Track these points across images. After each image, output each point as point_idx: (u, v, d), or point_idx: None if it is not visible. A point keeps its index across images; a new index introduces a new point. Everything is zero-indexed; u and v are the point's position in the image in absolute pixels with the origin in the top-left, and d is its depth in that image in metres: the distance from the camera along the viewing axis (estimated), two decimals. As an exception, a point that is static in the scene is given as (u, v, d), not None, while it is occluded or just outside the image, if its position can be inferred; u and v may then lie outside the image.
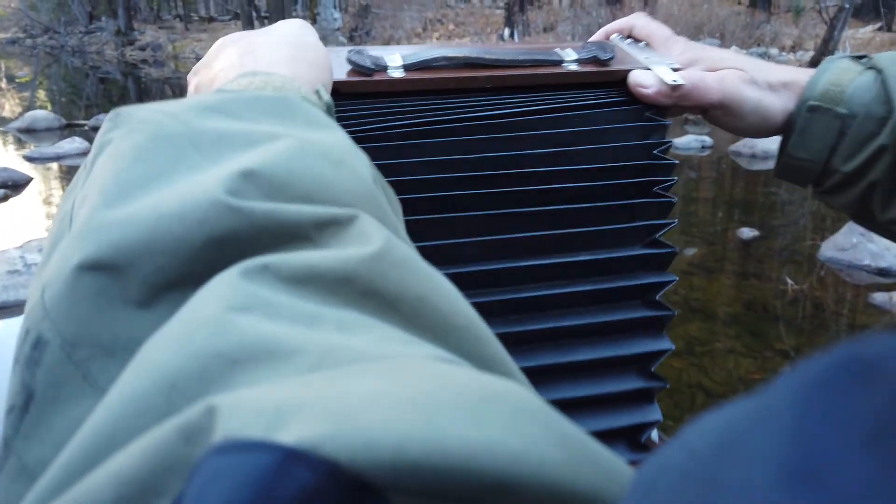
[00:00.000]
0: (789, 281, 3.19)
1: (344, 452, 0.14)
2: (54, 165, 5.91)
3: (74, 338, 0.21)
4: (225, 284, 0.21)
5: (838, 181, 0.53)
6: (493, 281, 0.53)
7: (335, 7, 15.63)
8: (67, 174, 5.71)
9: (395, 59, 0.56)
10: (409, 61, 0.56)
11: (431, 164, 0.54)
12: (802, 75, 0.55)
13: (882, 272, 3.26)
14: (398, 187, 0.51)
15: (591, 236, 0.55)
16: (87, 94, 11.55)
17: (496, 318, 0.52)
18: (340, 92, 0.54)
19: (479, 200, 0.54)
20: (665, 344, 0.56)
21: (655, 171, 0.58)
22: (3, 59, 19.43)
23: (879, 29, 13.51)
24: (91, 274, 0.22)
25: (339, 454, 0.14)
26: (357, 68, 0.55)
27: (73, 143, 6.20)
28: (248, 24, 19.81)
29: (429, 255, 0.51)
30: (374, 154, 0.52)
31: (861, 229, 3.48)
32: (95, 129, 7.17)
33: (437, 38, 15.67)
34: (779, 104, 0.55)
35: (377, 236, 0.25)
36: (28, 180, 5.27)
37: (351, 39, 16.02)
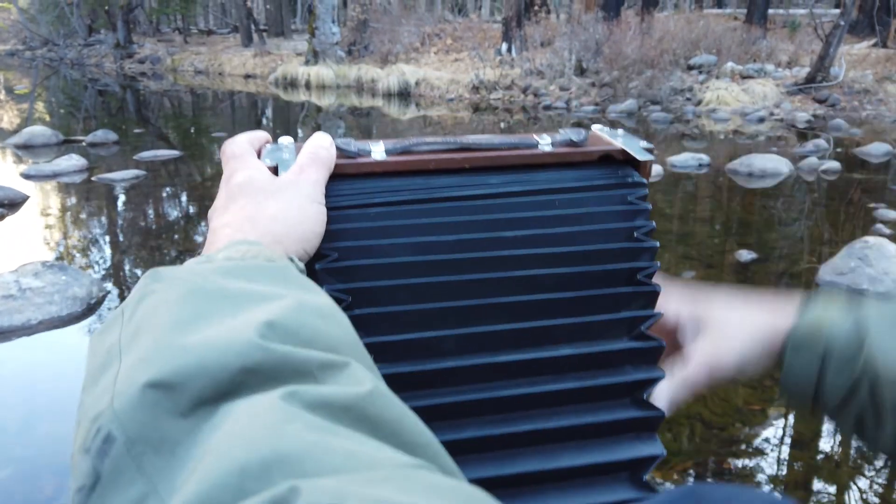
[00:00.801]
0: (788, 306, 3.18)
1: None
2: (51, 183, 5.89)
3: (134, 437, 0.28)
4: (272, 403, 0.29)
5: (831, 410, 0.58)
6: (471, 377, 0.51)
7: (333, 22, 15.67)
8: (64, 192, 5.69)
9: (378, 147, 0.58)
10: (390, 147, 0.58)
11: (406, 246, 0.53)
12: (784, 318, 0.59)
13: (880, 296, 3.25)
14: (374, 271, 0.51)
15: (573, 328, 0.53)
16: (85, 107, 11.56)
17: (475, 419, 0.50)
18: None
19: (455, 287, 0.52)
20: (657, 448, 0.53)
21: (639, 256, 0.56)
22: (3, 71, 19.45)
23: (874, 45, 13.59)
24: (154, 390, 0.29)
25: None
26: (343, 153, 0.56)
27: (70, 161, 6.20)
28: (247, 38, 19.86)
29: (405, 349, 0.50)
30: (351, 233, 0.51)
31: (860, 253, 3.48)
32: (93, 145, 7.17)
33: (436, 53, 15.72)
34: (760, 347, 0.59)
35: (367, 380, 0.32)
36: (24, 199, 5.26)
37: (349, 53, 16.06)
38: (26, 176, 5.99)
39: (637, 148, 0.60)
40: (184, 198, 6.10)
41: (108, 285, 3.72)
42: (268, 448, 0.25)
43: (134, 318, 0.34)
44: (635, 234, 0.57)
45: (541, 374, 0.52)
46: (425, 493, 0.25)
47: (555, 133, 0.62)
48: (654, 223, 0.58)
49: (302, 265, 0.44)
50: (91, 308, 3.31)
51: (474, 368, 0.51)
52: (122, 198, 5.74)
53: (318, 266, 0.51)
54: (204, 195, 6.00)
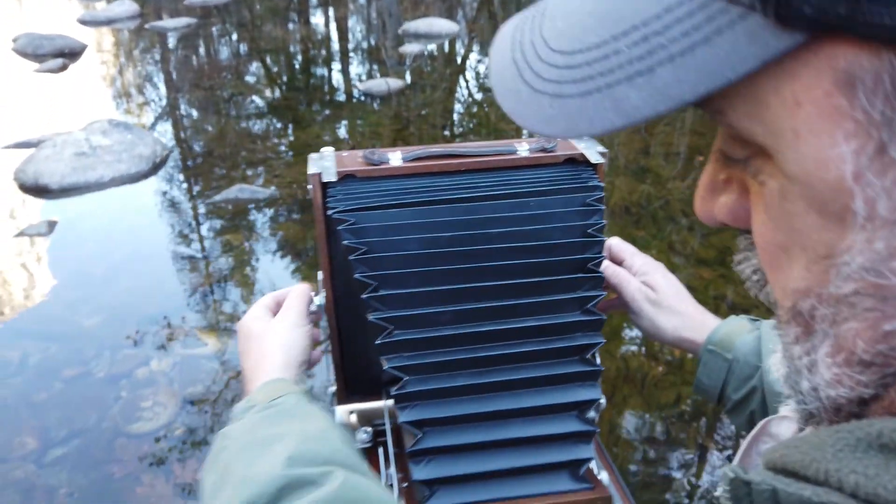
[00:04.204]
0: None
1: None
2: (106, 30, 5.93)
3: None
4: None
5: (731, 407, 0.72)
6: (462, 341, 0.67)
7: None
8: (120, 40, 5.75)
9: (396, 155, 0.74)
10: (406, 155, 0.74)
11: (416, 240, 0.68)
12: (710, 321, 0.74)
13: None
14: (393, 261, 0.65)
15: (538, 305, 0.68)
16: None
17: (465, 371, 0.67)
18: (357, 176, 0.71)
19: (451, 274, 0.67)
20: (597, 394, 0.69)
21: (591, 248, 0.70)
22: None
23: None
24: None
25: None
26: (368, 161, 0.72)
27: (123, 6, 6.18)
28: None
29: (411, 321, 0.65)
30: (376, 230, 0.65)
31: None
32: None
33: None
34: (671, 328, 0.75)
35: (340, 477, 0.51)
36: (83, 48, 5.35)
37: None
38: (83, 21, 6.03)
39: (593, 153, 0.75)
40: (235, 42, 6.10)
41: (170, 143, 3.91)
42: None
43: (219, 465, 0.57)
44: (589, 231, 0.70)
45: (512, 339, 0.68)
46: None
47: (532, 140, 0.78)
48: (604, 221, 0.72)
49: (304, 387, 0.65)
50: (156, 167, 3.52)
51: (464, 335, 0.67)
52: (175, 45, 5.78)
53: (352, 258, 0.64)
54: (255, 37, 5.98)
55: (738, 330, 0.71)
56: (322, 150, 0.75)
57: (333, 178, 0.69)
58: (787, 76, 0.24)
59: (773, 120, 0.25)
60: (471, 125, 4.52)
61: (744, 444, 0.42)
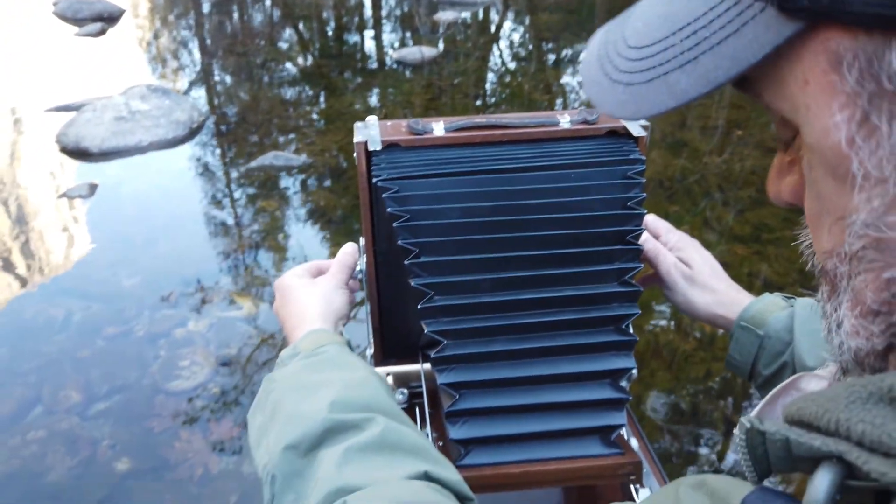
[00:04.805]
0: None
1: None
2: (143, -6, 5.96)
3: (285, 472, 0.53)
4: (339, 451, 0.53)
5: (762, 382, 0.73)
6: (500, 308, 0.69)
7: None
8: (155, 6, 5.79)
9: (439, 125, 0.74)
10: (448, 125, 0.74)
11: (457, 209, 0.69)
12: (744, 299, 0.74)
13: None
14: (434, 229, 0.67)
15: (576, 275, 0.69)
16: None
17: (502, 336, 0.68)
18: (401, 146, 0.72)
19: (491, 243, 0.68)
20: (630, 363, 0.70)
21: (630, 221, 0.70)
22: None
23: None
24: (287, 450, 0.54)
25: None
26: (412, 131, 0.73)
27: (160, -29, 6.20)
28: None
29: (452, 287, 0.66)
30: (418, 198, 0.66)
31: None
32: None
33: None
34: (703, 304, 0.76)
35: (381, 423, 0.55)
36: (121, 12, 5.40)
37: None
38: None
39: (636, 125, 0.74)
40: (268, 8, 6.10)
41: (204, 109, 3.95)
42: (339, 481, 0.50)
43: (268, 406, 0.61)
44: (629, 204, 0.70)
45: (550, 307, 0.69)
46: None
47: (574, 112, 0.77)
48: (644, 194, 0.71)
49: (345, 338, 0.68)
50: (192, 132, 3.57)
51: (503, 303, 0.69)
52: (209, 10, 5.80)
53: (396, 224, 0.66)
54: (288, 2, 5.97)
55: (771, 307, 0.72)
56: (367, 119, 0.76)
57: (378, 147, 0.70)
58: (797, 59, 0.28)
59: (792, 97, 0.29)
60: (503, 94, 4.48)
61: (769, 394, 0.44)
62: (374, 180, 0.69)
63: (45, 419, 1.98)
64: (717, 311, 0.75)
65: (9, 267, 2.73)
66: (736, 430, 0.32)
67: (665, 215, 3.03)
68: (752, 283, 2.47)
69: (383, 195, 0.68)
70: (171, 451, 1.89)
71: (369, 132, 0.73)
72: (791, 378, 0.44)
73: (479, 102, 4.27)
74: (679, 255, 0.79)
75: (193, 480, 1.80)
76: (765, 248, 2.64)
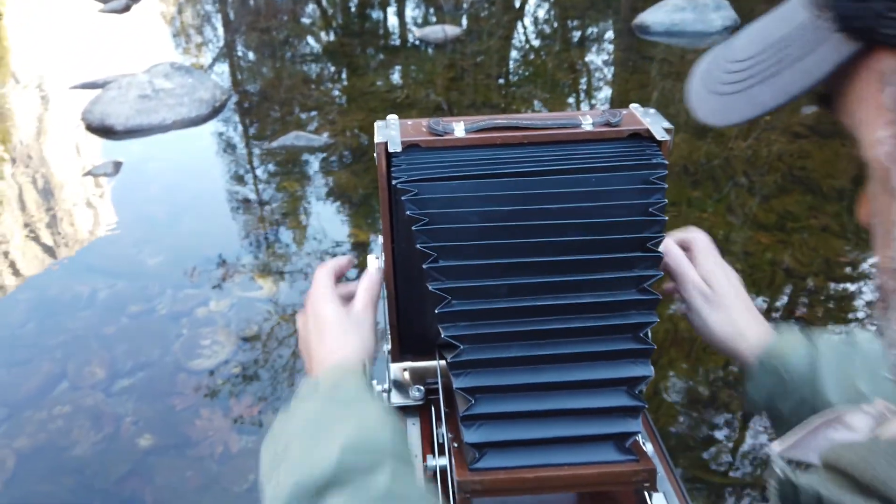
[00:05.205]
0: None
1: None
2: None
3: None
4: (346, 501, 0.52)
5: (778, 419, 0.70)
6: (518, 314, 0.68)
7: None
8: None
9: (459, 126, 0.73)
10: (469, 126, 0.72)
11: (476, 213, 0.68)
12: (764, 333, 0.72)
13: None
14: (453, 233, 0.66)
15: (594, 282, 0.68)
16: None
17: (519, 342, 0.68)
18: (421, 146, 0.71)
19: (509, 248, 0.67)
20: (648, 371, 0.69)
21: (650, 227, 0.68)
22: None
23: None
24: (296, 485, 0.53)
25: None
26: (432, 131, 0.71)
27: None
28: None
29: (470, 292, 0.66)
30: (438, 201, 0.65)
31: None
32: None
33: None
34: (721, 335, 0.73)
35: (387, 470, 0.54)
36: (145, -13, 5.39)
37: None
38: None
39: (659, 129, 0.71)
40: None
41: (227, 86, 3.96)
42: None
43: (279, 442, 0.60)
44: (650, 210, 0.68)
45: (567, 314, 0.68)
46: None
47: (597, 113, 0.74)
48: (666, 200, 0.68)
49: (367, 374, 0.66)
50: (215, 111, 3.58)
51: (520, 308, 0.68)
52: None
53: (415, 228, 0.65)
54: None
55: (792, 345, 0.70)
56: (388, 118, 0.76)
57: (399, 149, 0.70)
58: (857, 77, 0.31)
59: (854, 113, 0.32)
60: (526, 73, 4.43)
61: (810, 427, 0.43)
62: (394, 182, 0.69)
63: (71, 394, 2.03)
64: (733, 345, 0.73)
65: (35, 243, 2.78)
66: (766, 474, 0.32)
67: (687, 201, 3.00)
68: (774, 272, 2.43)
69: (402, 197, 0.68)
70: (192, 429, 1.93)
71: (389, 132, 0.72)
72: (837, 412, 0.43)
73: (501, 81, 4.22)
74: (704, 273, 0.76)
75: (214, 458, 1.84)
76: (789, 237, 2.60)
